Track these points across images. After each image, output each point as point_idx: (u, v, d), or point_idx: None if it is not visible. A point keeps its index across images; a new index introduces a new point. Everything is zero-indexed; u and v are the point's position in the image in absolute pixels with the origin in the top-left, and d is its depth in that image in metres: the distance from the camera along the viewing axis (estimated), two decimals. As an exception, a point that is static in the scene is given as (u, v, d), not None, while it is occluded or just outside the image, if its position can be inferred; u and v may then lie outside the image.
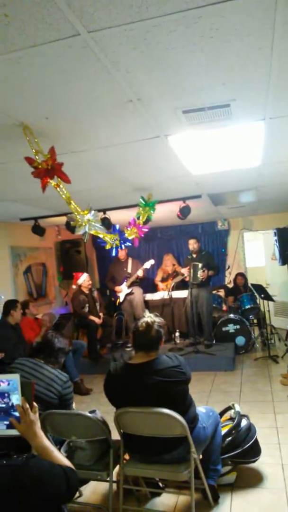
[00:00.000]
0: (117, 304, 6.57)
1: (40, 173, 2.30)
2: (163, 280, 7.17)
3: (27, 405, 1.54)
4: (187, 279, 6.17)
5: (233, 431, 2.89)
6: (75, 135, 2.49)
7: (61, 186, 2.50)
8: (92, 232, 2.86)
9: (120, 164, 3.24)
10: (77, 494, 2.77)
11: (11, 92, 1.87)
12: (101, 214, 4.57)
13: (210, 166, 3.53)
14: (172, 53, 1.63)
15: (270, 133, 2.72)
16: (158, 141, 2.69)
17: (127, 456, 2.52)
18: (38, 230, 5.26)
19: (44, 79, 1.77)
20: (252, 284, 6.71)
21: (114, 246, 3.40)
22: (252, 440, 2.88)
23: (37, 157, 2.29)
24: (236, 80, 1.91)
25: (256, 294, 6.67)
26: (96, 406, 2.93)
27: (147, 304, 6.73)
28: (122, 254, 6.48)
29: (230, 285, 7.40)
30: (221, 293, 7.21)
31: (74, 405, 2.77)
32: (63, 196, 2.59)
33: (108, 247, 3.40)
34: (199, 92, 2.00)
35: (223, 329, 6.32)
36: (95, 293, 6.39)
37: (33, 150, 2.28)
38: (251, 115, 2.38)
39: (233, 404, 3.14)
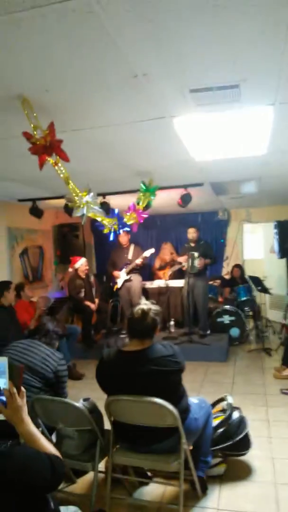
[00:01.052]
0: (114, 290, 6.50)
1: (38, 149, 2.21)
2: (161, 268, 7.10)
3: (15, 390, 1.48)
4: (184, 268, 6.10)
5: (225, 423, 2.85)
6: (75, 111, 2.38)
7: (59, 164, 2.41)
8: (90, 214, 2.78)
9: (121, 145, 3.13)
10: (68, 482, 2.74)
11: (10, 60, 1.76)
12: (100, 198, 4.47)
13: (214, 152, 3.43)
14: (182, 24, 1.52)
15: (279, 120, 2.61)
16: (163, 122, 2.58)
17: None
18: (36, 212, 5.17)
19: (45, 46, 1.66)
20: (249, 276, 6.66)
21: (112, 230, 3.31)
22: (244, 433, 2.85)
23: (35, 132, 2.20)
24: (247, 58, 1.81)
25: (253, 286, 6.63)
26: (88, 392, 2.88)
27: (146, 292, 6.67)
28: (124, 240, 6.37)
29: (228, 276, 7.35)
30: (218, 283, 7.16)
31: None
32: (61, 175, 2.50)
33: (106, 231, 3.32)
34: (208, 70, 1.90)
35: (218, 320, 6.29)
36: (92, 278, 6.31)
37: (32, 125, 2.19)
38: (261, 98, 2.28)
39: (225, 396, 3.11)
